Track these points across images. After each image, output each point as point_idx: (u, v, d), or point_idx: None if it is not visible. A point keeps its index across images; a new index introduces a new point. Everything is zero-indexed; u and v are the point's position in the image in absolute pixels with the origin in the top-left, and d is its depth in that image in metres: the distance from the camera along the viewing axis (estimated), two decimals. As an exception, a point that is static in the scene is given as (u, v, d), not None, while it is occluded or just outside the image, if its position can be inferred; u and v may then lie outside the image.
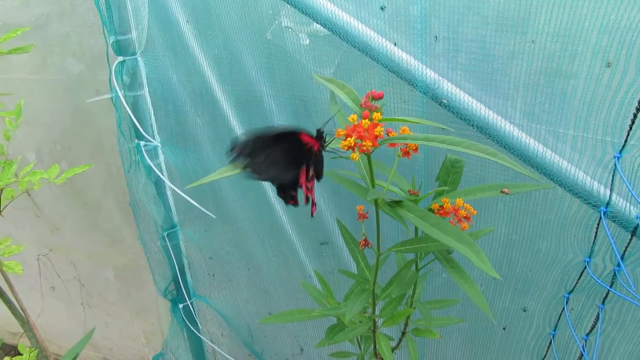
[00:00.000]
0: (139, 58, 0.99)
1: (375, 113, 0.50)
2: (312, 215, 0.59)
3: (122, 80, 0.99)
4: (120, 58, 0.98)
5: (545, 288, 0.86)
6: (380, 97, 0.53)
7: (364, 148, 0.48)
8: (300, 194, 0.58)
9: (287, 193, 0.58)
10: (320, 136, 0.55)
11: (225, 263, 1.26)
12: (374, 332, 0.77)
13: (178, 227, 1.21)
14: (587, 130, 0.69)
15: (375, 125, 0.49)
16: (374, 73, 0.80)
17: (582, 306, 0.81)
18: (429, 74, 0.73)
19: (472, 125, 0.73)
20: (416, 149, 0.58)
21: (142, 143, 1.06)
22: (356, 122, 0.50)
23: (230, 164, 0.51)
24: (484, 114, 0.72)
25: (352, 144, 0.49)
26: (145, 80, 1.02)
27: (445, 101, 0.74)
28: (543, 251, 0.83)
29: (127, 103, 0.99)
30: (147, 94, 1.04)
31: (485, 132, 0.72)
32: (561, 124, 0.70)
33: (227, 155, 0.51)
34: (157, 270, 1.26)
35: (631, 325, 0.78)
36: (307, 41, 0.84)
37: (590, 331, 0.82)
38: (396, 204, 0.58)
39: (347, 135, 0.50)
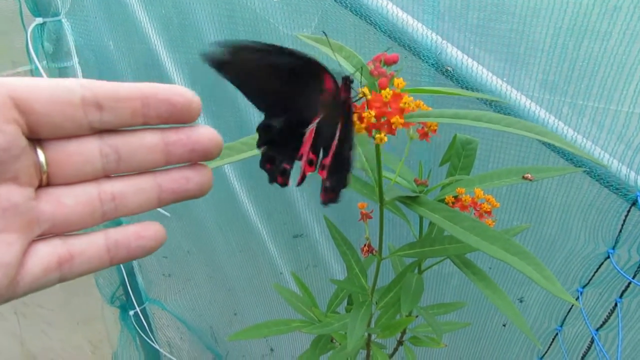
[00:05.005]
0: (63, 20, 0.80)
1: (396, 80, 0.36)
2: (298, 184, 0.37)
3: (42, 47, 0.79)
4: (39, 20, 0.78)
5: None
6: (394, 62, 0.39)
7: (394, 126, 0.35)
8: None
9: (277, 165, 0.37)
10: (348, 86, 0.36)
11: (183, 261, 1.12)
12: (368, 345, 0.66)
13: (124, 223, 1.04)
14: (611, 101, 0.59)
15: (399, 97, 0.36)
16: (358, 36, 0.66)
17: (595, 300, 0.74)
18: (431, 37, 0.60)
19: (480, 98, 0.61)
20: (435, 130, 0.45)
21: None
22: (369, 95, 0.36)
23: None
24: (495, 84, 0.60)
25: (377, 123, 0.35)
26: (73, 48, 0.83)
27: (450, 69, 0.61)
28: (547, 239, 0.74)
29: (50, 76, 0.80)
30: (77, 65, 0.85)
31: (495, 106, 0.61)
32: (583, 95, 0.59)
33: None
34: (101, 274, 1.08)
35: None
36: (278, -3, 0.68)
37: (601, 326, 0.75)
38: (411, 200, 0.45)
39: (361, 114, 0.36)
